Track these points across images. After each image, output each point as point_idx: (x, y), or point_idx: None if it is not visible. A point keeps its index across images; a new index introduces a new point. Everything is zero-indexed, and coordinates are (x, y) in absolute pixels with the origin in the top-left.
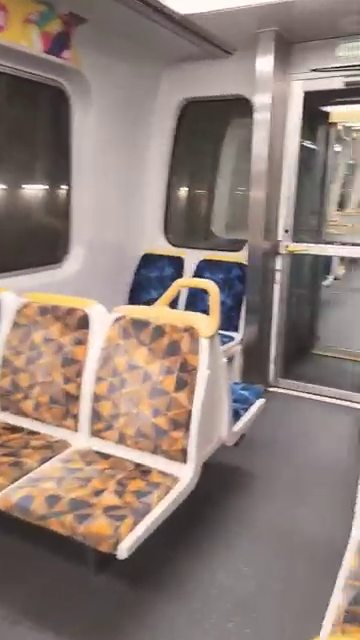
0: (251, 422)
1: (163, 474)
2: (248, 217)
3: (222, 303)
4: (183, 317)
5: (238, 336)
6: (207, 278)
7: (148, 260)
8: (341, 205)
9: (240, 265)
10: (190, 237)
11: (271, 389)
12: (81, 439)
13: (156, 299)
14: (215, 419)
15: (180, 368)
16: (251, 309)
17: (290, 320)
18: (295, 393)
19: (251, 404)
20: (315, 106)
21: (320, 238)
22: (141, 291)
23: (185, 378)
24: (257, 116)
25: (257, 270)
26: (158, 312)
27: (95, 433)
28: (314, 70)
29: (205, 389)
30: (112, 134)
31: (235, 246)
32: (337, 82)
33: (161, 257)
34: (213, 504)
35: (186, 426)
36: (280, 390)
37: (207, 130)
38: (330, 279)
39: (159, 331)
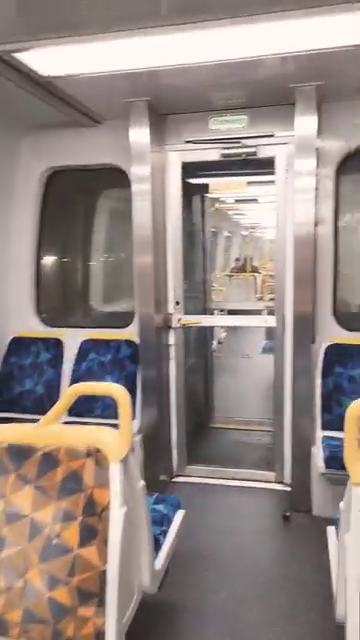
0: (174, 547)
1: None
2: (136, 291)
3: None
4: (83, 435)
5: (136, 424)
6: (93, 360)
7: (19, 345)
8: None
9: (130, 343)
10: (68, 314)
11: (177, 479)
12: None
13: (32, 391)
14: (135, 568)
15: (85, 510)
16: (147, 391)
17: (188, 396)
18: (204, 480)
19: (171, 522)
20: (193, 176)
21: (206, 305)
22: (11, 383)
23: (93, 524)
24: (136, 187)
25: (151, 347)
26: (46, 431)
27: None
28: (189, 142)
29: (122, 535)
30: None
31: (120, 321)
32: (213, 154)
33: (35, 340)
34: None
35: (99, 596)
36: (187, 479)
37: (80, 199)
38: (215, 344)
39: (50, 460)
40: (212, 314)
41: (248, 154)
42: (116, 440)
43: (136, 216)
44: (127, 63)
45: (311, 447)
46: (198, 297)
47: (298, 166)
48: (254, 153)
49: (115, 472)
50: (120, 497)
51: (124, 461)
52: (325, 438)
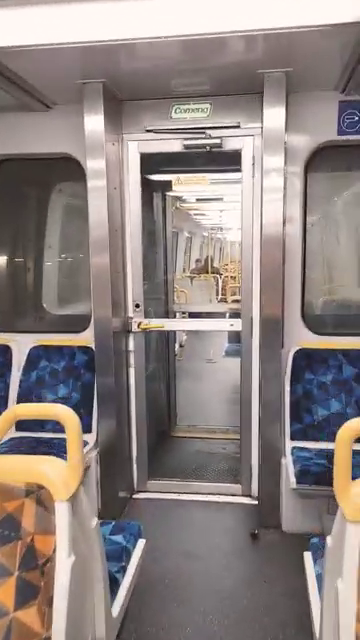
0: (134, 584)
1: None
2: (92, 293)
3: (67, 399)
4: (21, 468)
5: (92, 438)
6: (44, 368)
7: None
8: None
9: (86, 349)
10: (18, 318)
11: (138, 495)
12: None
13: None
14: (87, 623)
15: (23, 563)
16: (104, 401)
17: (149, 404)
18: (166, 495)
19: (130, 555)
20: (153, 172)
21: (168, 307)
22: None
23: (33, 580)
24: (92, 181)
25: (108, 353)
26: None
27: None
28: (149, 131)
29: (70, 593)
30: None
31: (75, 325)
32: (176, 145)
33: None
34: None
35: None
36: (148, 495)
37: (32, 192)
38: (176, 347)
39: None
40: (175, 317)
41: (212, 146)
42: (63, 473)
43: (92, 213)
44: (77, 34)
45: (280, 458)
46: (160, 299)
47: (266, 163)
48: (219, 145)
49: (62, 513)
50: (67, 545)
51: (73, 499)
52: (295, 449)
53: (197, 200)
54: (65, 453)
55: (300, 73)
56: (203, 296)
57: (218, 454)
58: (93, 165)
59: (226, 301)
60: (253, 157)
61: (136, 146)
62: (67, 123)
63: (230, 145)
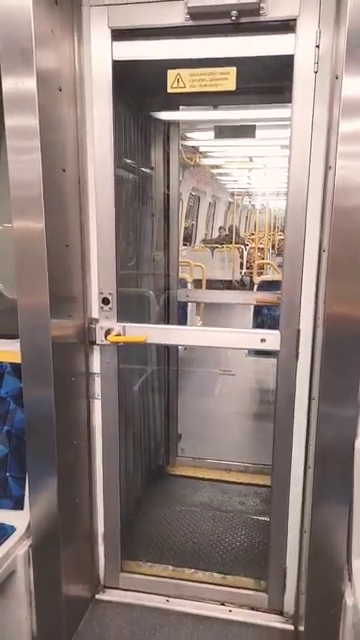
0: None
1: None
2: (15, 277)
3: None
4: None
5: (23, 520)
6: None
7: None
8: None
9: (20, 368)
10: None
11: (103, 595)
12: None
13: None
14: None
15: None
16: (40, 456)
17: (139, 432)
18: (148, 600)
19: None
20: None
21: (168, 295)
22: None
23: None
24: (7, 73)
25: (45, 378)
26: None
27: None
28: None
29: None
30: None
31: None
32: (174, 12)
33: None
34: None
35: None
36: (119, 596)
37: None
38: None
39: None
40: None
41: (243, 11)
42: None
43: (11, 142)
44: None
45: (342, 584)
46: (154, 284)
47: (351, 64)
48: (256, 7)
49: None
50: None
51: None
52: None
53: (216, 134)
54: None
55: None
56: (225, 271)
57: (233, 514)
58: (9, 45)
59: (252, 279)
60: (318, 35)
61: (104, 14)
62: None
63: (277, 11)
